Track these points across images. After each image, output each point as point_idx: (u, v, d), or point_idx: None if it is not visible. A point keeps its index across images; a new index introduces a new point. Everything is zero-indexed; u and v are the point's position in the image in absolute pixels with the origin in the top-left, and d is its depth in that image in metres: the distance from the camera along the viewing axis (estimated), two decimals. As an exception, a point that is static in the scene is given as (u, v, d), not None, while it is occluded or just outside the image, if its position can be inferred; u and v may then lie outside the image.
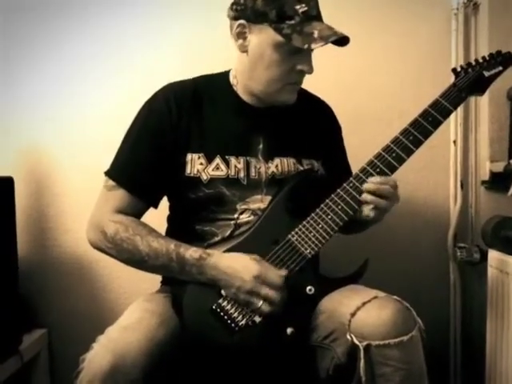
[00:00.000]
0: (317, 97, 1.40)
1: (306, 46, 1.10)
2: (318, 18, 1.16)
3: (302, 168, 1.26)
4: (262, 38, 1.14)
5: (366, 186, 1.12)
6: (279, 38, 1.11)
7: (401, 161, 1.15)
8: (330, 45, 1.18)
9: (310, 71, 1.17)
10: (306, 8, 1.12)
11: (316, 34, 1.11)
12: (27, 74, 1.73)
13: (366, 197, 1.12)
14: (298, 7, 1.11)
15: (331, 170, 1.32)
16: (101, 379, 0.92)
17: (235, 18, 1.16)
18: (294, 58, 1.15)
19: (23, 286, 1.61)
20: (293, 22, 1.11)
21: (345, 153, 1.44)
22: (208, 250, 1.11)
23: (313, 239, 1.12)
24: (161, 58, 1.72)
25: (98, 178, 1.22)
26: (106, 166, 1.21)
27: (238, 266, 1.07)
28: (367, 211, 1.13)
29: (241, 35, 1.16)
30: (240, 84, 1.25)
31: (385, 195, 1.12)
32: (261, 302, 1.05)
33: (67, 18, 1.72)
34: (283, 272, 1.08)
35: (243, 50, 1.17)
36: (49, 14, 1.72)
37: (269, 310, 1.06)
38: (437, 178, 1.72)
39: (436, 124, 1.17)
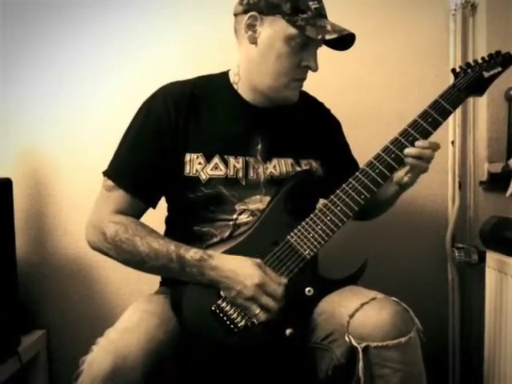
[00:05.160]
0: (314, 98, 1.41)
1: (320, 37, 1.13)
2: (327, 17, 1.19)
3: (299, 168, 1.26)
4: (274, 29, 1.15)
5: (407, 150, 1.15)
6: (291, 31, 1.13)
7: (401, 161, 1.16)
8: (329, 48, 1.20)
9: (316, 68, 1.19)
10: (318, 5, 1.15)
11: (329, 28, 1.14)
12: (27, 73, 1.73)
13: (407, 160, 1.15)
14: (310, 3, 1.14)
15: (336, 168, 1.32)
16: (101, 381, 0.91)
17: (245, 12, 1.17)
18: (302, 53, 1.17)
19: (22, 288, 1.60)
20: (306, 15, 1.13)
21: (348, 149, 1.45)
22: (209, 252, 1.10)
23: (312, 240, 1.12)
24: (162, 58, 1.71)
25: (97, 179, 1.21)
26: (105, 167, 1.21)
27: (241, 271, 1.06)
28: (402, 176, 1.17)
29: (251, 27, 1.17)
30: (243, 81, 1.25)
31: (427, 158, 1.16)
32: (258, 310, 1.05)
33: (67, 18, 1.72)
34: (284, 280, 1.08)
35: (253, 41, 1.18)
36: (49, 14, 1.72)
37: (265, 319, 1.06)
38: (435, 178, 1.72)
39: (436, 125, 1.18)
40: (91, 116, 1.72)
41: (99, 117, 1.72)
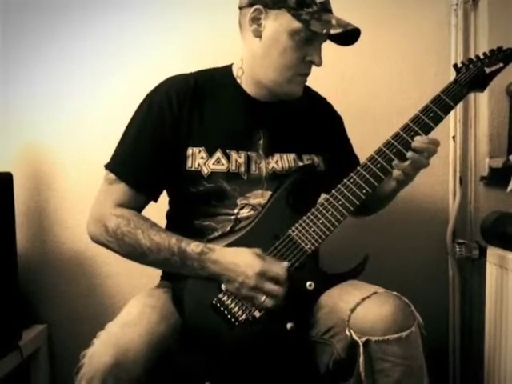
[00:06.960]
0: (316, 92, 1.41)
1: (324, 31, 1.12)
2: (332, 12, 1.18)
3: (302, 163, 1.26)
4: (279, 23, 1.14)
5: (414, 144, 1.15)
6: (296, 25, 1.12)
7: (402, 156, 1.15)
8: (331, 42, 1.20)
9: (320, 63, 1.18)
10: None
11: (334, 22, 1.13)
12: (27, 72, 1.73)
13: (412, 155, 1.14)
14: None
15: (338, 163, 1.32)
16: (102, 375, 0.92)
17: (250, 5, 1.16)
18: (306, 48, 1.16)
19: (23, 282, 1.61)
20: (311, 9, 1.13)
21: (350, 144, 1.45)
22: (209, 245, 1.11)
23: (313, 234, 1.12)
24: (161, 56, 1.71)
25: (97, 173, 1.22)
26: (106, 161, 1.21)
27: (241, 262, 1.06)
28: (402, 171, 1.16)
29: (256, 20, 1.16)
30: (246, 74, 1.24)
31: (430, 153, 1.16)
32: (264, 297, 1.05)
33: (67, 18, 1.72)
34: (285, 264, 1.08)
35: (257, 35, 1.17)
36: (49, 14, 1.72)
37: (272, 305, 1.06)
38: (436, 173, 1.72)
39: (437, 120, 1.18)
40: (92, 112, 1.72)
41: (100, 113, 1.72)
